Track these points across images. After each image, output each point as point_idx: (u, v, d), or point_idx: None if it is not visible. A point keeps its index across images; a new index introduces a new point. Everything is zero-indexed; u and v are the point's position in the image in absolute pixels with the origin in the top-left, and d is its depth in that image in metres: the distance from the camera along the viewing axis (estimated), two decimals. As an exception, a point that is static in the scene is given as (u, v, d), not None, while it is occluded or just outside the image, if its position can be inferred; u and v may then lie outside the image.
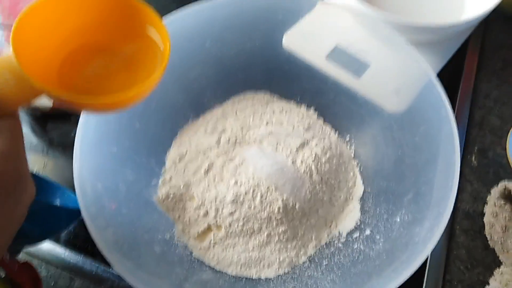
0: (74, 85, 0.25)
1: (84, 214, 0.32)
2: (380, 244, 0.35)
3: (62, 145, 0.49)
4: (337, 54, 0.43)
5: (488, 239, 0.40)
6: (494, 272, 0.38)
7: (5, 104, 0.21)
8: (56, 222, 0.37)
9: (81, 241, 0.42)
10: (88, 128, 0.35)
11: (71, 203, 0.40)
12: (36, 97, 0.22)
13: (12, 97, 0.21)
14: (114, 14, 0.25)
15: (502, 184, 0.41)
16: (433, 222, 0.31)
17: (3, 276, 0.33)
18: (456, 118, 0.34)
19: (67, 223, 0.40)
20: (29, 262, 0.37)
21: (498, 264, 0.39)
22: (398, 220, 0.35)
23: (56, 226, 0.38)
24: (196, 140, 0.43)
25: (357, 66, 0.42)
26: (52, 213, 0.35)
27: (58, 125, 0.50)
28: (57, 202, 0.41)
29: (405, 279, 0.29)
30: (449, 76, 0.49)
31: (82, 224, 0.31)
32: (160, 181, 0.41)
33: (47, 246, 0.41)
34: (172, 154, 0.43)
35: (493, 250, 0.40)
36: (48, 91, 0.21)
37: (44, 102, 0.45)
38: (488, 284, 0.38)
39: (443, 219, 0.30)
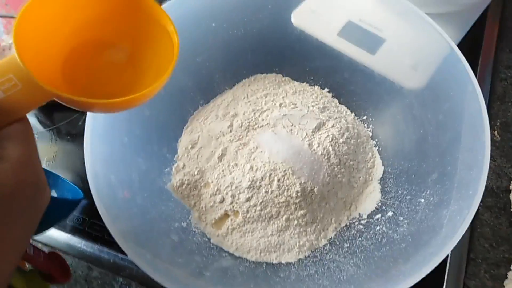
0: (79, 82, 0.24)
1: (99, 207, 0.31)
2: (405, 226, 0.34)
3: (71, 134, 0.48)
4: (350, 30, 0.41)
5: (514, 216, 0.39)
6: (520, 249, 0.38)
7: (15, 109, 0.20)
8: (55, 213, 0.37)
9: (98, 230, 0.42)
10: (97, 119, 0.34)
11: (69, 193, 0.40)
12: (46, 100, 0.21)
13: (21, 101, 0.20)
14: (119, 9, 0.24)
15: (527, 159, 0.40)
16: (462, 204, 0.29)
17: (30, 269, 0.33)
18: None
19: (66, 213, 0.40)
20: (55, 251, 0.37)
21: (524, 241, 0.38)
22: (423, 201, 0.34)
23: (55, 217, 0.38)
24: (208, 126, 0.42)
25: (372, 42, 0.40)
26: (51, 204, 0.34)
27: (65, 113, 0.50)
28: (54, 192, 0.41)
29: (435, 266, 0.28)
30: (468, 48, 0.47)
31: (97, 214, 0.31)
32: (173, 169, 0.40)
33: (65, 236, 0.41)
34: (184, 141, 0.42)
35: (518, 227, 0.39)
36: (58, 95, 0.20)
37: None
38: (514, 261, 0.37)
39: (474, 202, 0.29)
